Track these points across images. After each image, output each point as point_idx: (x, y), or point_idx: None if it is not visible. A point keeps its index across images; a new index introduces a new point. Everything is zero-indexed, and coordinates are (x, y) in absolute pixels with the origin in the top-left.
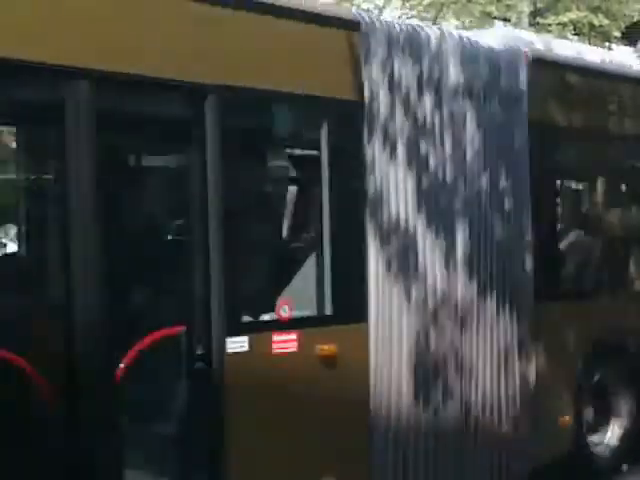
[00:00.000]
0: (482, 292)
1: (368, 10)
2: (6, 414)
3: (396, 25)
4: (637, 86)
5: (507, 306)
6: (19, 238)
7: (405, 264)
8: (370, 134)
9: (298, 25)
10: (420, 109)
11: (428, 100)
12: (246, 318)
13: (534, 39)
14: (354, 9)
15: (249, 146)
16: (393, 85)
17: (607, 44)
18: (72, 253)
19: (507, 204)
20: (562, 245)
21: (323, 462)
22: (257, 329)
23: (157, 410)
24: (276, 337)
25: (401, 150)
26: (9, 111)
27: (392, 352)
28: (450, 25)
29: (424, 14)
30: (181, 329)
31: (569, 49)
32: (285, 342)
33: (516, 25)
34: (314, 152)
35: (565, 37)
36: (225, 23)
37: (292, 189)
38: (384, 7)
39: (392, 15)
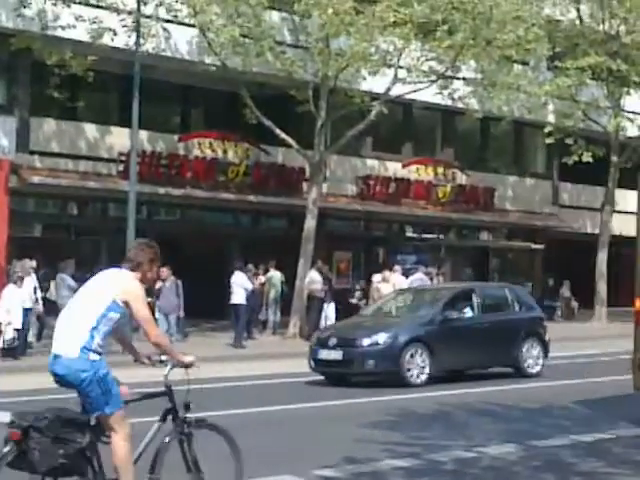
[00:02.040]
0: None
1: (388, 51)
2: None
3: None
4: None
5: None
6: None
7: None
8: None
9: None
10: None
11: None
12: None
13: None
14: (373, 49)
15: None
16: None
17: (625, 89)
18: None
19: None
20: None
21: None
22: None
23: None
24: None
25: None
26: None
27: None
28: (469, 67)
29: (443, 57)
30: None
31: None
32: None
33: (534, 69)
34: None
35: (583, 82)
36: None
37: None
38: (403, 49)
39: (412, 56)
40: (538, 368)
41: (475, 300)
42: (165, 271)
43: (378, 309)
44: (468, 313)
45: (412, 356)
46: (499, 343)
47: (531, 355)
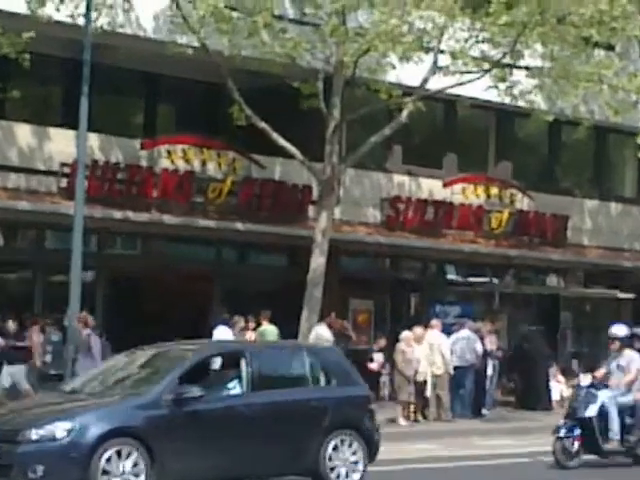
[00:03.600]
0: None
1: (425, 30)
2: None
3: None
4: None
5: None
6: None
7: None
8: None
9: None
10: None
11: None
12: None
13: None
14: (405, 28)
15: None
16: None
17: None
18: None
19: None
20: None
21: None
22: None
23: None
24: None
25: None
26: None
27: None
28: (534, 52)
29: (499, 38)
30: None
31: None
32: None
33: (622, 56)
34: None
35: None
36: None
37: None
38: (445, 27)
39: (457, 38)
40: (356, 478)
41: (245, 369)
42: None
43: (86, 381)
44: (232, 389)
45: (109, 460)
46: (285, 439)
47: (342, 458)
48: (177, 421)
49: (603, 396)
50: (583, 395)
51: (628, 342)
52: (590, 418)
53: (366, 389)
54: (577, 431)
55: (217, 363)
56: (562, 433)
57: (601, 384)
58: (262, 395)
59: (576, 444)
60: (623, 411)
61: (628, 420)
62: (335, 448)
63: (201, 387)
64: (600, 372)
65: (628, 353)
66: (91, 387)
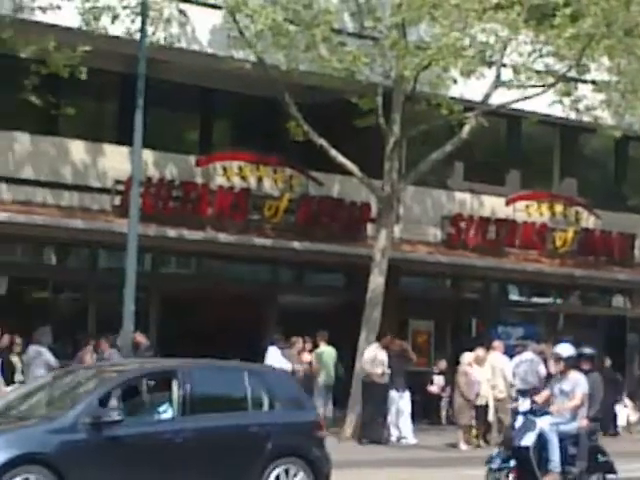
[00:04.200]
0: None
1: (488, 43)
2: None
3: None
4: None
5: None
6: None
7: None
8: None
9: None
10: None
11: None
12: None
13: None
14: (467, 41)
15: None
16: None
17: None
18: None
19: None
20: None
21: None
22: None
23: None
24: None
25: None
26: None
27: None
28: (601, 66)
29: (564, 51)
30: None
31: None
32: None
33: None
34: None
35: None
36: None
37: None
38: (509, 40)
39: (520, 51)
40: None
41: (176, 391)
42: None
43: (12, 402)
44: (162, 413)
45: None
46: (219, 468)
47: None
48: (95, 447)
49: (543, 423)
50: (520, 422)
51: (574, 363)
52: (527, 447)
53: (315, 414)
54: (512, 462)
55: (148, 384)
56: (495, 464)
57: (542, 410)
58: (195, 420)
59: (511, 477)
60: (565, 440)
61: (571, 450)
62: (278, 478)
63: (125, 410)
64: (542, 396)
65: (573, 376)
66: (17, 409)
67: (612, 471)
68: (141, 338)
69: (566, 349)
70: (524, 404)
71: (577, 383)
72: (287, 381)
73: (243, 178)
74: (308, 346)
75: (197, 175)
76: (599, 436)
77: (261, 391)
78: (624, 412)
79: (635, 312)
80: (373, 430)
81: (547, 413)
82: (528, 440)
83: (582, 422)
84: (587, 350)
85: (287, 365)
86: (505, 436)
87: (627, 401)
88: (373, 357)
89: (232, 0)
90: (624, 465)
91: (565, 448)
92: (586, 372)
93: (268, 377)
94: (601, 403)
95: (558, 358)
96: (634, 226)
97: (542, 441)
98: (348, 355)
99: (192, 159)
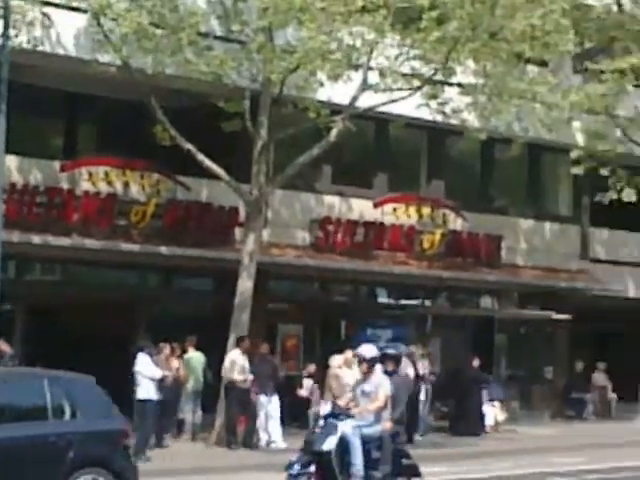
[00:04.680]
0: None
1: (354, 47)
2: None
3: None
4: None
5: None
6: None
7: None
8: None
9: None
10: None
11: None
12: None
13: None
14: (334, 44)
15: None
16: None
17: None
18: None
19: None
20: None
21: None
22: None
23: None
24: None
25: None
26: None
27: None
28: (467, 69)
29: (430, 55)
30: None
31: None
32: None
33: (556, 72)
34: None
35: (624, 90)
36: None
37: None
38: (376, 43)
39: (387, 54)
40: None
41: None
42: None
43: None
44: None
45: None
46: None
47: None
48: None
49: (345, 426)
50: (321, 426)
51: (377, 364)
52: (328, 452)
53: (122, 422)
54: (312, 467)
55: None
56: (295, 470)
57: (344, 413)
58: None
59: None
60: (369, 443)
61: (375, 454)
62: None
63: None
64: (345, 399)
65: (376, 377)
66: None
67: (417, 474)
68: (5, 347)
69: (369, 350)
70: (325, 407)
71: (380, 384)
72: (92, 389)
73: (109, 183)
74: (177, 352)
75: (62, 181)
76: (404, 439)
77: (63, 399)
78: (492, 412)
79: (503, 313)
80: (239, 435)
81: (350, 416)
82: (329, 444)
83: (385, 425)
84: (391, 350)
85: (157, 371)
86: (305, 440)
87: (495, 401)
88: (232, 362)
89: (96, 3)
90: (492, 464)
91: (368, 452)
92: (390, 373)
93: (71, 384)
94: (464, 403)
95: (361, 359)
96: (501, 227)
97: (344, 445)
98: (217, 360)
99: (57, 164)
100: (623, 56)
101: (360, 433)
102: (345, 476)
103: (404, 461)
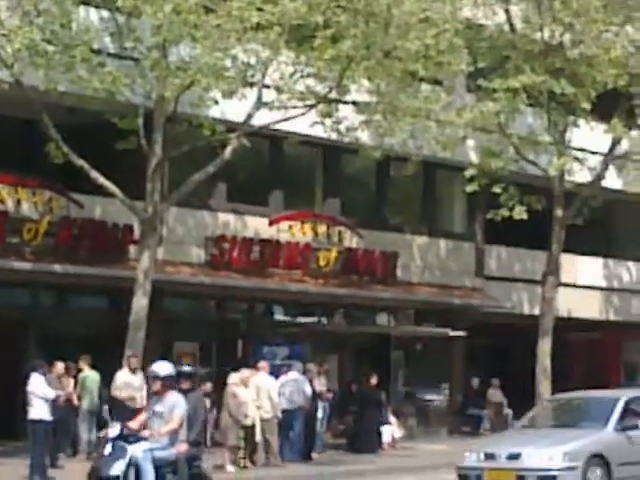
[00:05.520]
0: None
1: (249, 64)
2: None
3: None
4: None
5: None
6: None
7: None
8: None
9: None
10: None
11: None
12: None
13: None
14: (229, 62)
15: None
16: None
17: (572, 118)
18: None
19: None
20: None
21: None
22: None
23: None
24: None
25: None
26: None
27: None
28: (361, 87)
29: (325, 72)
30: None
31: None
32: None
33: (449, 90)
34: None
35: (516, 108)
36: None
37: None
38: (270, 61)
39: (281, 72)
40: None
41: None
42: None
43: None
44: None
45: None
46: None
47: None
48: None
49: (135, 450)
50: (109, 449)
51: (172, 383)
52: (116, 477)
53: None
54: None
55: None
56: None
57: (135, 435)
58: None
59: None
60: (163, 467)
61: (169, 478)
62: None
63: None
64: (137, 420)
65: (171, 397)
66: None
67: None
68: None
69: (163, 368)
70: (114, 430)
71: (175, 404)
72: None
73: (1, 201)
74: (72, 371)
75: None
76: (201, 462)
77: None
78: (388, 429)
79: (398, 330)
80: None
81: (141, 439)
82: (117, 469)
83: (181, 447)
84: (186, 368)
85: (50, 391)
86: (92, 466)
87: (391, 418)
88: (121, 381)
89: None
90: None
91: (162, 476)
92: (186, 392)
93: None
94: (362, 420)
95: (155, 377)
96: (396, 245)
97: (137, 469)
98: (112, 379)
99: None
100: (515, 75)
101: (152, 457)
102: None
103: None
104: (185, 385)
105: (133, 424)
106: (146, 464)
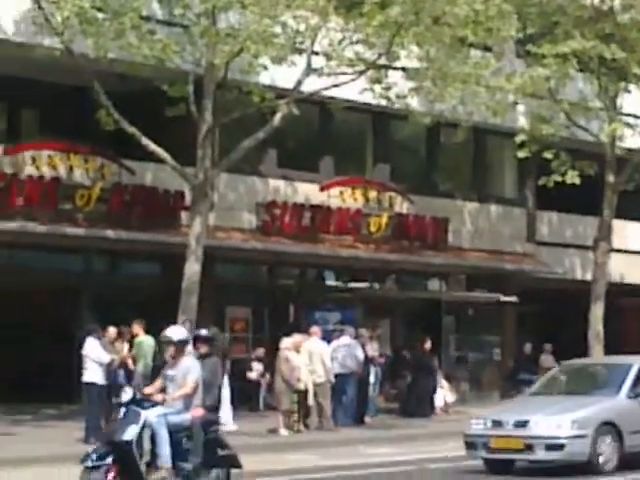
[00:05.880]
0: None
1: (298, 31)
2: None
3: None
4: None
5: None
6: None
7: None
8: None
9: None
10: None
11: None
12: None
13: None
14: (278, 28)
15: None
16: None
17: (623, 84)
18: None
19: None
20: None
21: None
22: None
23: None
24: None
25: None
26: None
27: None
28: (410, 53)
29: (374, 39)
30: None
31: None
32: None
33: (499, 56)
34: None
35: (566, 74)
36: None
37: None
38: (319, 28)
39: (330, 38)
40: None
41: None
42: None
43: None
44: None
45: None
46: None
47: None
48: None
49: (149, 414)
50: (122, 414)
51: (187, 347)
52: (128, 442)
53: None
54: (109, 459)
55: None
56: (90, 462)
57: (149, 400)
58: None
59: (110, 475)
60: (178, 433)
61: (185, 444)
62: None
63: None
64: (154, 386)
65: (186, 361)
66: None
67: (235, 465)
68: None
69: (177, 332)
70: (127, 394)
71: (189, 370)
72: None
73: (53, 167)
74: (125, 336)
75: (5, 165)
76: (219, 427)
77: None
78: (441, 394)
79: (450, 295)
80: None
81: (156, 403)
82: (130, 434)
83: (196, 412)
84: (203, 332)
85: (105, 355)
86: (104, 430)
87: (443, 382)
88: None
89: None
90: (442, 445)
91: (178, 441)
92: (203, 357)
93: None
94: (414, 384)
95: (169, 342)
96: (447, 210)
97: (152, 434)
98: None
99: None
100: (565, 40)
101: (166, 422)
102: (154, 467)
103: (220, 451)
104: (203, 349)
105: (148, 389)
106: (161, 429)
